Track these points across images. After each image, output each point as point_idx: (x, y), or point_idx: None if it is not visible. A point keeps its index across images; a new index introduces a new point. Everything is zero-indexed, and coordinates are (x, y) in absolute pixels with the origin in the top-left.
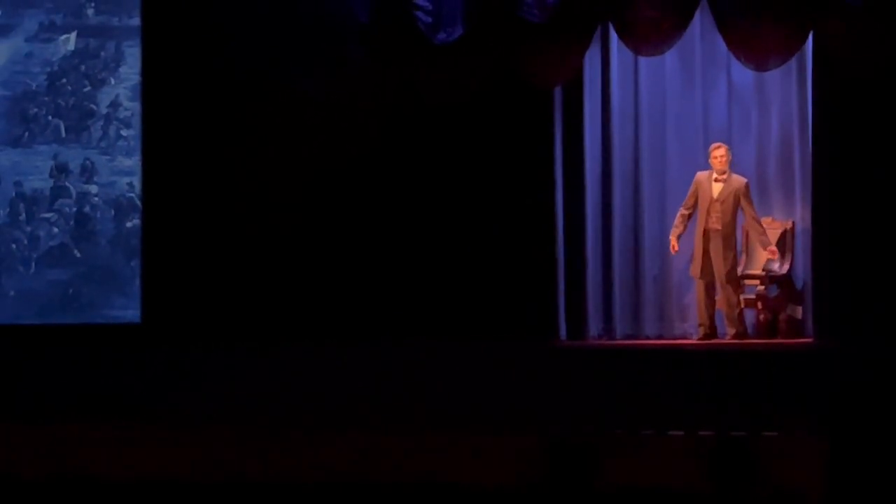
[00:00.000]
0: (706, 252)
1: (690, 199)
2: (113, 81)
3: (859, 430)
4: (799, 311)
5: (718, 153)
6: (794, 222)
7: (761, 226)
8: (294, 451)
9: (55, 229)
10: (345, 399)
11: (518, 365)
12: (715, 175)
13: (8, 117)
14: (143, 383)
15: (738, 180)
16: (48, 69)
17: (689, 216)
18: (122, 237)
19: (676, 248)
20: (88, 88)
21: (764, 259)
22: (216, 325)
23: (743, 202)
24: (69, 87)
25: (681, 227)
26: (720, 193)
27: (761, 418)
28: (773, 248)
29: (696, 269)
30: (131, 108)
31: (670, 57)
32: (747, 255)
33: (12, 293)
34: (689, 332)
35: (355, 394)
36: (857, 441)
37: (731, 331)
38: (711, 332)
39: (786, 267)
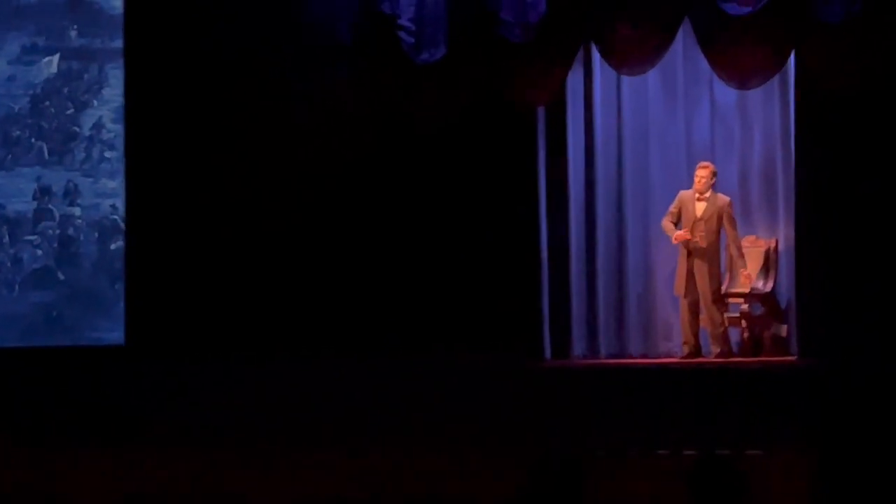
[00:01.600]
0: (690, 271)
1: (675, 209)
2: (96, 103)
3: (844, 448)
4: (783, 329)
5: (702, 172)
6: (777, 240)
7: (740, 248)
8: (279, 468)
9: (38, 252)
10: (329, 416)
11: (503, 384)
12: (697, 194)
13: None
14: (126, 405)
15: (722, 199)
16: (31, 92)
17: (676, 224)
18: (105, 259)
19: (678, 232)
20: (71, 111)
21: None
22: (200, 348)
23: (725, 221)
24: (52, 110)
25: (672, 225)
26: (704, 212)
27: (746, 436)
28: (748, 273)
29: (680, 287)
30: (115, 130)
31: (653, 76)
32: (731, 274)
33: None
34: (674, 350)
35: (340, 411)
36: (842, 459)
37: (716, 349)
38: (696, 350)
39: (770, 285)
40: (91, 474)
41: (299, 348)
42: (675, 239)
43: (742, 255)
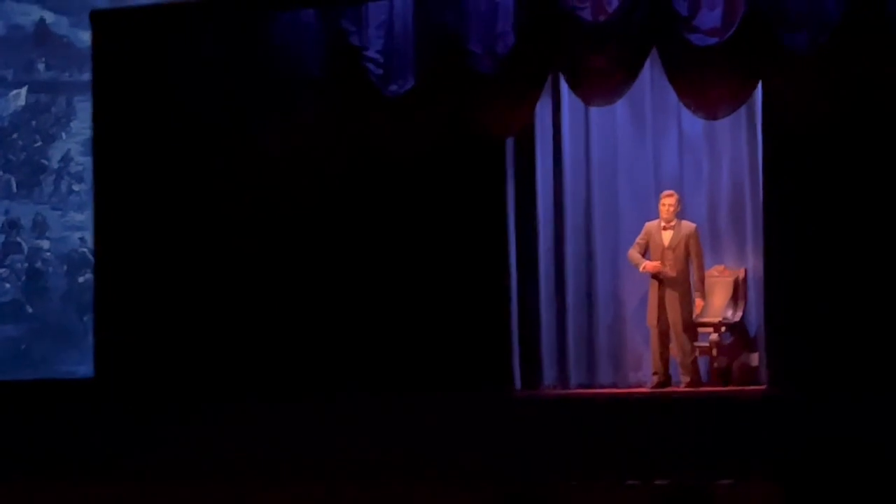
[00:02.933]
0: (661, 301)
1: (642, 240)
2: (64, 136)
3: (813, 478)
4: (753, 359)
5: (668, 201)
6: (746, 270)
7: (702, 278)
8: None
9: (7, 285)
10: (300, 452)
11: (473, 415)
12: (663, 223)
13: None
14: (95, 439)
15: (688, 226)
16: None
17: (644, 255)
18: (74, 292)
19: (647, 262)
20: (39, 143)
21: (718, 306)
22: (169, 380)
23: (692, 246)
24: (20, 143)
25: (639, 256)
26: (671, 241)
27: (716, 466)
28: (701, 301)
29: (652, 318)
30: (83, 162)
31: (621, 107)
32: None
33: None
34: (644, 380)
35: (310, 447)
36: (810, 489)
37: (686, 379)
38: (665, 380)
39: (739, 315)
40: None
41: (268, 384)
42: (644, 269)
43: (702, 286)
